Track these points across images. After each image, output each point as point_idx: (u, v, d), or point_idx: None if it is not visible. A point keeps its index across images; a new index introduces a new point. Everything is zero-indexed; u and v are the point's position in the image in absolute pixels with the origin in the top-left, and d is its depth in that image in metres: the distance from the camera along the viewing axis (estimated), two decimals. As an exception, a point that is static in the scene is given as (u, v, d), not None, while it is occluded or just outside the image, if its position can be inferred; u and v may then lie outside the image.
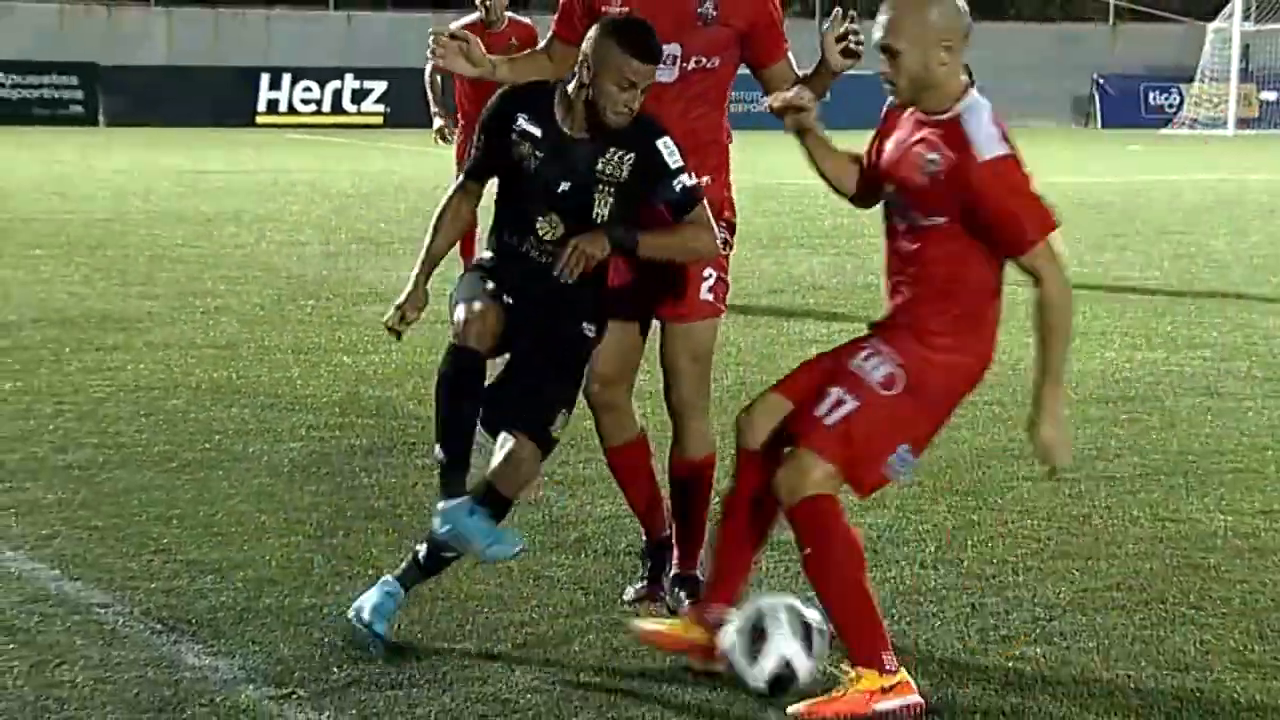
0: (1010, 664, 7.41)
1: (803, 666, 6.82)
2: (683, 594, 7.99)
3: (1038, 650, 7.53)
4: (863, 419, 6.84)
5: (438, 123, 19.31)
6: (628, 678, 7.19)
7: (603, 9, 7.85)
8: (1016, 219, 6.81)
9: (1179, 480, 10.64)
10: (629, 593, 8.15)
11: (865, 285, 19.43)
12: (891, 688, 6.76)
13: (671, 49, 7.85)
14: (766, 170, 31.76)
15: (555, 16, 8.24)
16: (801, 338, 15.67)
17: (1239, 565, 8.86)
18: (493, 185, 7.89)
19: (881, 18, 6.93)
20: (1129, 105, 59.41)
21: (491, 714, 6.73)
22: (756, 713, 6.81)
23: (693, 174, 7.58)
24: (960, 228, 6.83)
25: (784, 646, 6.82)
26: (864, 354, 6.92)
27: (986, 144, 6.83)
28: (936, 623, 7.92)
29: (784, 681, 6.80)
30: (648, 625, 7.33)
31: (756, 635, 6.84)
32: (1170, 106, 58.60)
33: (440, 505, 7.36)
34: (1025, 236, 6.80)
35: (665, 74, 7.83)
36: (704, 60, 7.95)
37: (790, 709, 6.77)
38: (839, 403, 6.84)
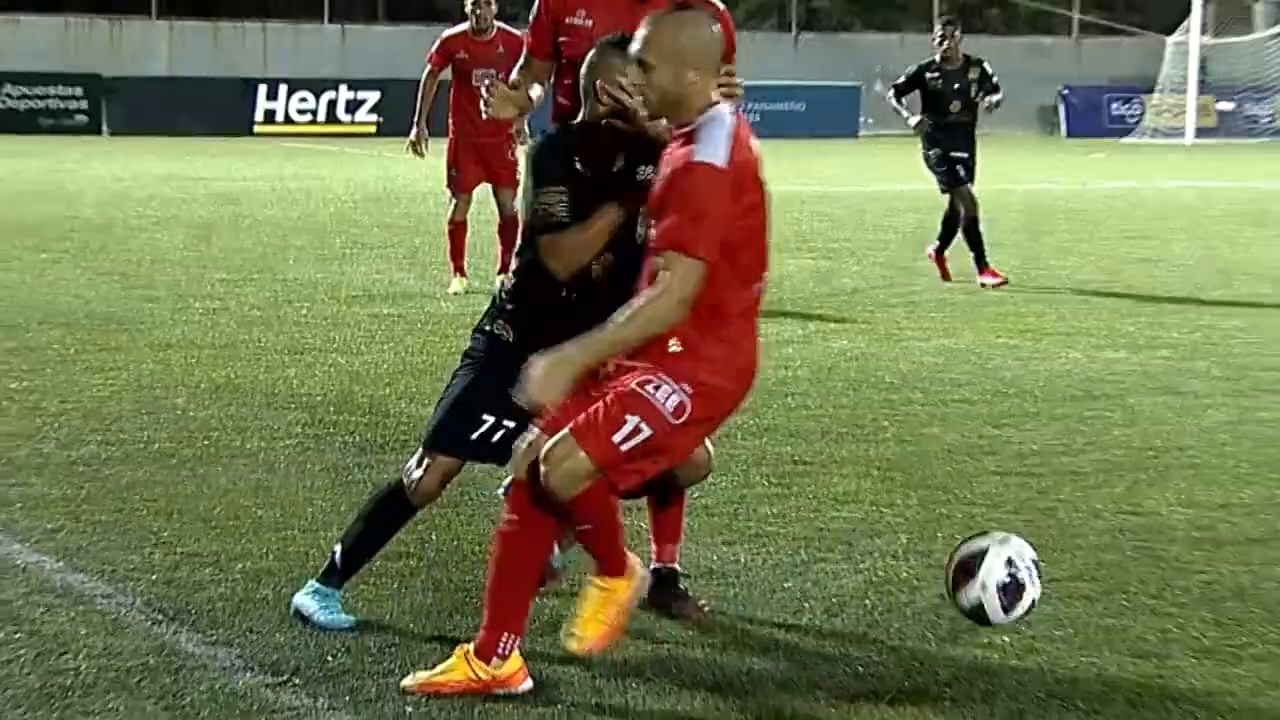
0: (979, 652, 7.42)
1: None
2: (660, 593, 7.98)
3: (1005, 639, 7.53)
4: (653, 444, 6.81)
5: (414, 133, 19.18)
6: (621, 665, 7.19)
7: (566, 20, 7.94)
8: (668, 216, 6.74)
9: (1140, 475, 10.65)
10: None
11: (841, 288, 19.47)
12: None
13: None
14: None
15: (528, 36, 8.30)
16: (779, 338, 15.66)
17: (1198, 556, 8.87)
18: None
19: (640, 33, 6.92)
20: (1092, 115, 59.45)
21: (480, 699, 6.72)
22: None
23: None
24: None
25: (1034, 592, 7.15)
26: (652, 384, 6.83)
27: (703, 149, 6.78)
28: (908, 612, 7.92)
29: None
30: (417, 677, 6.95)
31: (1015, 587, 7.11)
32: (1132, 116, 58.67)
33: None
34: (664, 235, 6.73)
35: None
36: None
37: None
38: (636, 430, 6.76)
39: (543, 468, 6.71)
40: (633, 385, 6.75)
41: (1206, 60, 58.55)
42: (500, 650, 6.82)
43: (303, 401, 12.53)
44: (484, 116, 8.35)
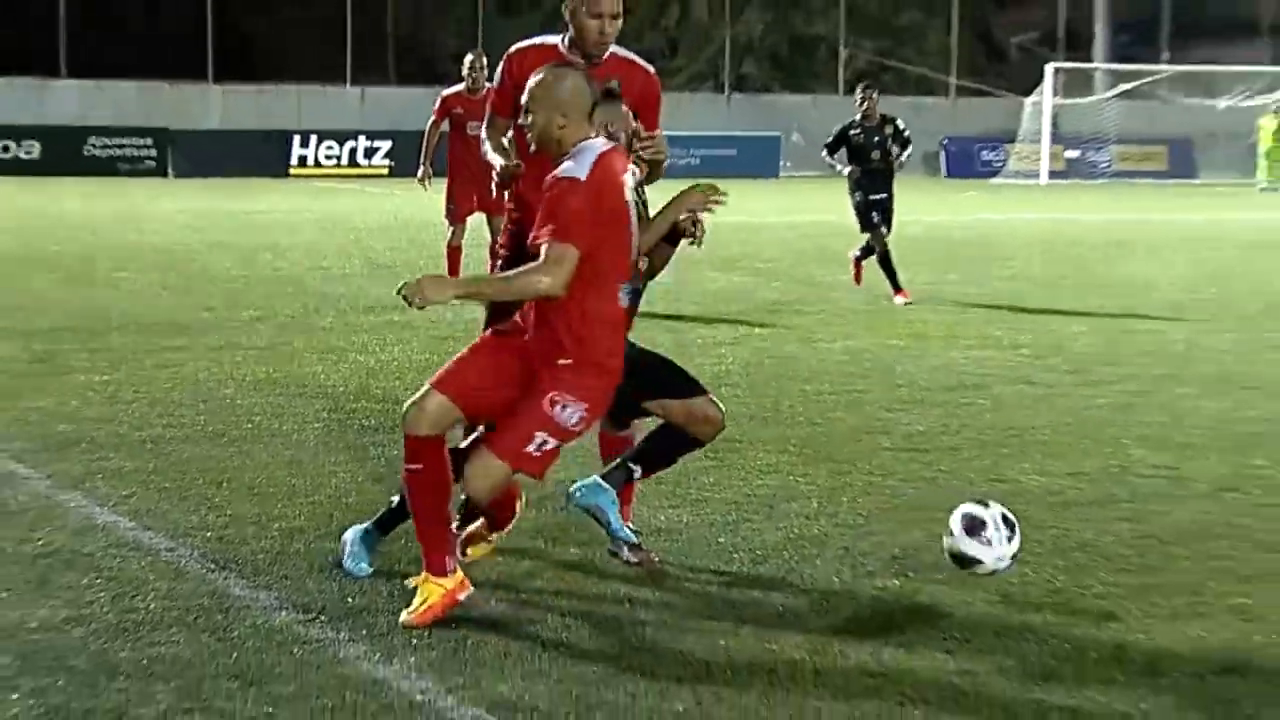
0: (875, 593, 7.42)
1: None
2: (616, 549, 7.95)
3: (896, 583, 7.53)
4: (551, 454, 6.91)
5: (420, 173, 19.95)
6: (581, 601, 7.17)
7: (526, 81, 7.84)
8: (542, 222, 6.81)
9: (1004, 450, 10.66)
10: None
11: (765, 301, 19.46)
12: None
13: None
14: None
15: (493, 98, 8.18)
16: (715, 340, 15.67)
17: (1049, 516, 8.88)
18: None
19: (529, 83, 7.05)
20: (967, 161, 59.48)
21: (474, 633, 6.70)
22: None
23: None
24: None
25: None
26: (559, 406, 6.85)
27: (566, 169, 6.86)
28: (819, 562, 7.92)
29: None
30: (409, 615, 6.93)
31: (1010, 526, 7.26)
32: (998, 162, 58.72)
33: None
34: (539, 233, 6.80)
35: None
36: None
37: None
38: (544, 443, 6.87)
39: (465, 475, 6.86)
40: (542, 405, 6.82)
41: (1057, 116, 58.67)
42: (450, 566, 6.92)
43: (328, 392, 12.49)
44: (495, 179, 8.14)
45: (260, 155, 51.78)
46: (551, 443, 6.89)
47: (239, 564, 7.70)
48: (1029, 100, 58.69)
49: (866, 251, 20.39)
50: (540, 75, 7.06)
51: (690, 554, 8.04)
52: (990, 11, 73.70)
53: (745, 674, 6.31)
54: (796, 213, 36.44)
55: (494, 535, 7.96)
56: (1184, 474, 9.99)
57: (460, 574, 7.00)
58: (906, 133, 20.62)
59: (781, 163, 57.99)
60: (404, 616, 6.86)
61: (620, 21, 7.88)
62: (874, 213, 20.18)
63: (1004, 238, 30.08)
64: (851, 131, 20.40)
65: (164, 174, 50.96)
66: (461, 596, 6.94)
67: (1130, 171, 60.06)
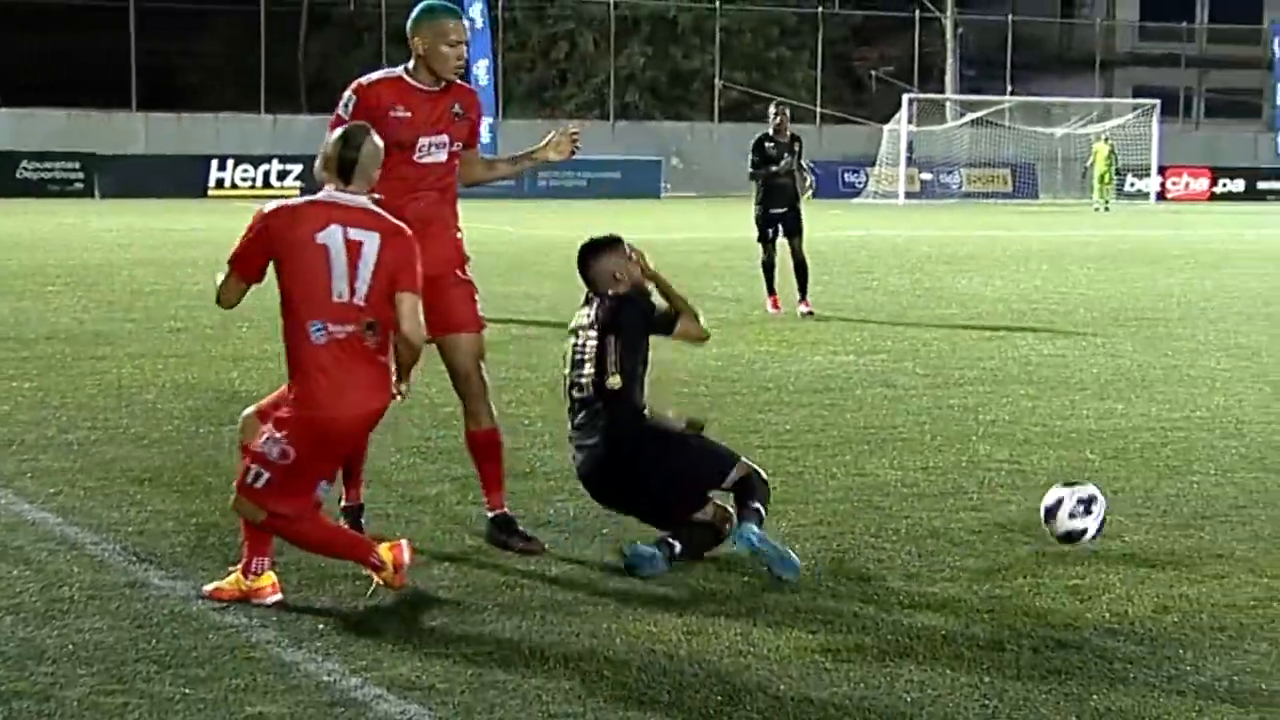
0: (745, 579, 7.43)
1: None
2: (502, 535, 7.94)
3: (765, 569, 7.54)
4: (279, 480, 6.82)
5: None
6: (478, 588, 7.14)
7: (390, 114, 7.80)
8: None
9: (864, 447, 10.71)
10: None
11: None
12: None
13: (442, 138, 7.86)
14: (574, 225, 31.75)
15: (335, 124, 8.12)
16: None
17: (905, 506, 8.94)
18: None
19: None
20: (831, 183, 59.64)
21: (377, 619, 6.65)
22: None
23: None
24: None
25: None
26: (263, 438, 6.86)
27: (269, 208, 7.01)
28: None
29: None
30: (209, 586, 7.01)
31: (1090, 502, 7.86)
32: (859, 183, 59.02)
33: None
34: None
35: (440, 154, 7.84)
36: (460, 144, 7.96)
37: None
38: (259, 475, 6.86)
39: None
40: (259, 435, 6.86)
41: (912, 142, 59.09)
42: (254, 569, 6.88)
43: (242, 397, 12.35)
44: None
45: (181, 178, 51.34)
46: (265, 474, 6.83)
47: (158, 556, 7.62)
48: (887, 127, 59.09)
49: (770, 279, 19.74)
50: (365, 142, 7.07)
51: (576, 545, 8.03)
52: (852, 47, 74.21)
53: (627, 653, 6.31)
54: (676, 230, 36.46)
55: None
56: (1024, 467, 10.08)
57: (266, 580, 6.89)
58: (806, 162, 20.58)
59: (662, 184, 58.07)
60: (207, 587, 6.96)
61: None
62: (769, 228, 19.94)
63: (865, 253, 30.24)
64: (767, 143, 20.15)
65: (91, 195, 50.39)
66: (257, 599, 6.85)
67: (978, 192, 60.60)
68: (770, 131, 20.33)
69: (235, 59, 61.88)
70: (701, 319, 8.21)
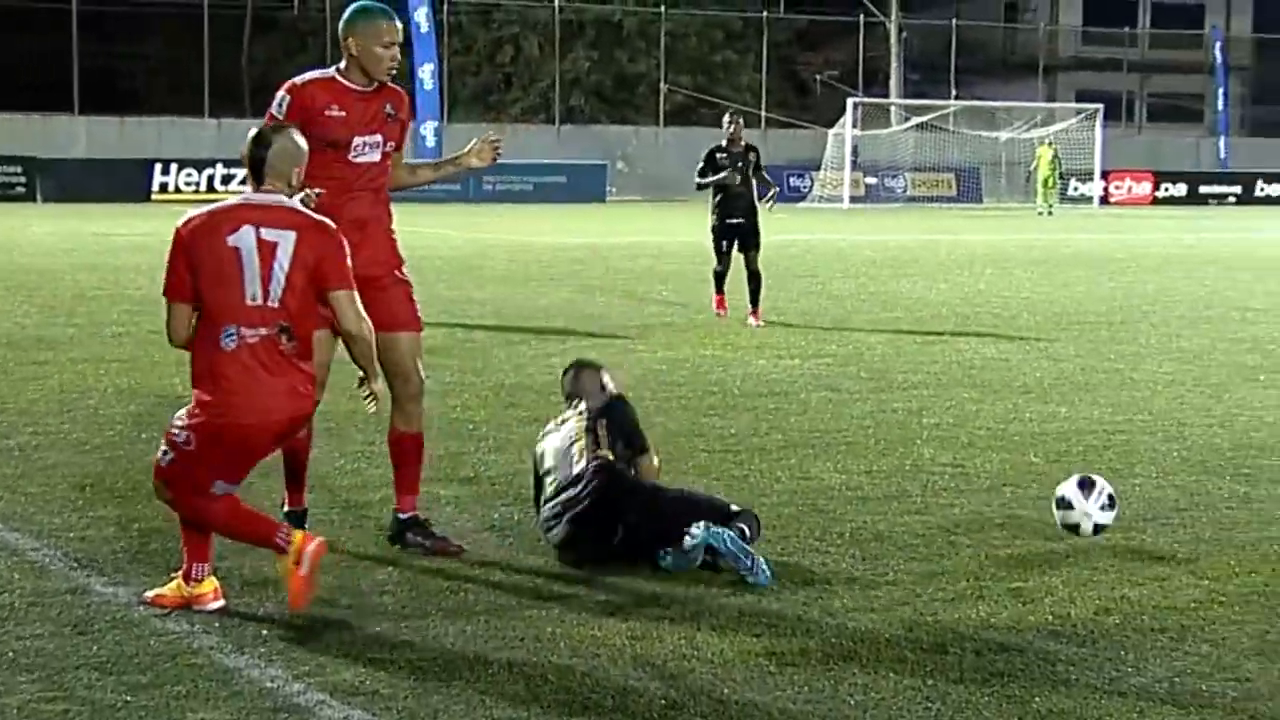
0: (690, 583, 7.42)
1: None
2: (417, 536, 7.94)
3: (708, 573, 7.54)
4: (182, 464, 6.81)
5: None
6: (418, 592, 7.13)
7: (325, 113, 7.79)
8: None
9: (809, 450, 10.73)
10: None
11: (590, 314, 19.47)
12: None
13: (376, 138, 7.86)
14: (520, 229, 31.80)
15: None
16: (543, 352, 15.66)
17: (849, 509, 8.96)
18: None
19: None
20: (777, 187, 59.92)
21: (320, 626, 6.63)
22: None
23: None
24: None
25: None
26: (179, 422, 6.86)
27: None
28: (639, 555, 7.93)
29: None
30: (151, 593, 6.99)
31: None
32: (804, 187, 59.12)
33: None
34: None
35: (374, 154, 7.83)
36: (392, 144, 7.96)
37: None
38: (165, 453, 6.87)
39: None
40: (173, 423, 6.87)
41: (857, 146, 59.32)
42: (195, 575, 6.83)
43: (185, 403, 12.27)
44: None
45: (124, 181, 51.09)
46: (170, 454, 6.82)
47: (100, 563, 7.58)
48: (832, 132, 59.29)
49: (718, 285, 19.55)
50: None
51: (518, 549, 8.03)
52: (796, 51, 74.44)
53: (571, 658, 6.31)
54: (621, 234, 36.49)
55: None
56: (968, 470, 10.12)
57: (208, 586, 6.85)
58: (764, 172, 20.10)
59: (608, 188, 58.12)
60: (149, 593, 6.93)
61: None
62: (724, 240, 19.54)
63: (809, 258, 30.31)
64: (719, 154, 19.75)
65: (33, 199, 50.10)
66: (199, 606, 6.81)
67: (923, 196, 60.86)
68: (723, 142, 19.90)
69: (178, 62, 61.66)
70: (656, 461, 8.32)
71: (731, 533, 7.53)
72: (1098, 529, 8.06)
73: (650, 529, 7.63)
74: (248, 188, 6.99)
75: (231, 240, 6.76)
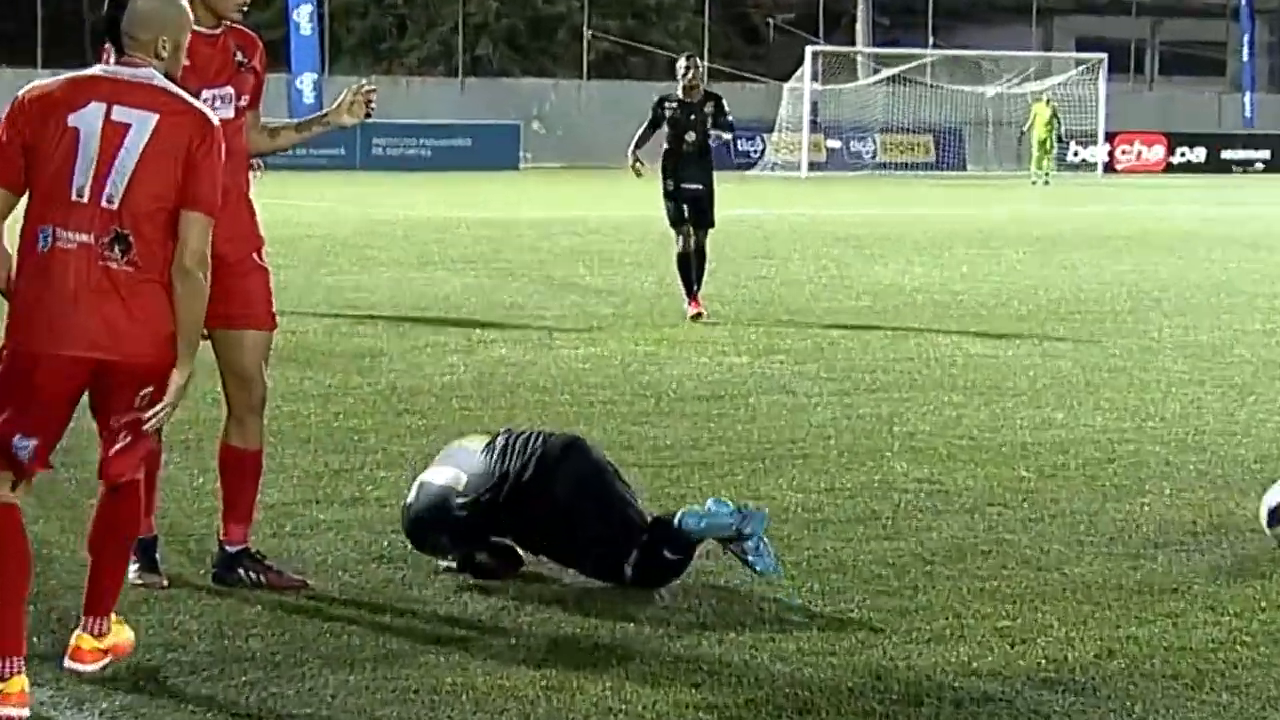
0: (615, 626, 7.43)
1: None
2: (250, 572, 7.90)
3: (635, 610, 7.56)
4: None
5: None
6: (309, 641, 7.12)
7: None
8: None
9: (759, 464, 10.75)
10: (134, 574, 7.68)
11: (500, 302, 19.45)
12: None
13: (226, 90, 7.82)
14: (417, 202, 31.72)
15: None
16: (446, 347, 15.62)
17: (805, 534, 8.98)
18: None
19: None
20: (720, 151, 59.97)
21: (170, 675, 6.60)
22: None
23: None
24: None
25: None
26: None
27: None
28: (553, 590, 7.93)
29: None
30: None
31: None
32: (755, 152, 59.21)
33: None
34: None
35: (227, 110, 7.76)
36: (245, 98, 7.91)
37: None
38: None
39: None
40: None
41: (817, 104, 59.48)
42: (2, 672, 6.30)
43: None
44: None
45: None
46: None
47: None
48: (787, 86, 59.40)
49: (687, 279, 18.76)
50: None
51: (414, 582, 8.02)
52: (745, -10, 74.56)
53: (474, 712, 6.32)
54: (539, 208, 36.48)
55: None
56: (947, 487, 10.17)
57: (15, 685, 6.30)
58: (730, 116, 19.48)
59: (521, 153, 58.07)
60: None
61: None
62: (685, 205, 18.86)
63: (759, 234, 30.35)
64: (667, 104, 19.12)
65: None
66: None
67: (895, 163, 61.05)
68: (678, 91, 19.28)
69: (6, 5, 61.22)
70: None
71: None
72: None
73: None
74: (110, 56, 6.57)
75: (72, 119, 6.28)
